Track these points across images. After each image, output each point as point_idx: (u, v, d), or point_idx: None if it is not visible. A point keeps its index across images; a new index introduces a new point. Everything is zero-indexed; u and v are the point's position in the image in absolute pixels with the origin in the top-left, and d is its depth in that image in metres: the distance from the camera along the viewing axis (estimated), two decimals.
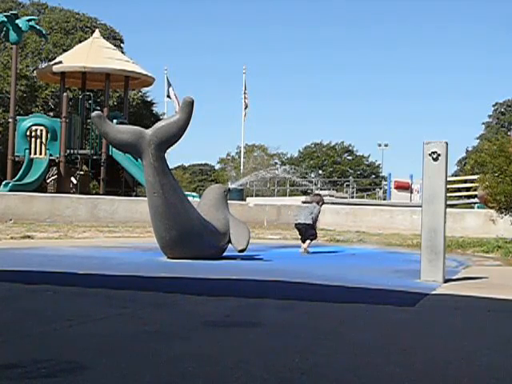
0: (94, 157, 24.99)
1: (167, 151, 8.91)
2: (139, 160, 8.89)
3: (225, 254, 9.51)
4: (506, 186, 13.49)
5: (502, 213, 14.28)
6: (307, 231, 11.49)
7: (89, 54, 25.60)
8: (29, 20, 25.75)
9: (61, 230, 14.54)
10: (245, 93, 41.48)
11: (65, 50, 33.11)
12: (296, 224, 11.71)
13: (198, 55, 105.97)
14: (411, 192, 34.21)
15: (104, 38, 30.58)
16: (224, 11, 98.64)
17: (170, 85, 37.78)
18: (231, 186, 28.10)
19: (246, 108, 41.29)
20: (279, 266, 8.45)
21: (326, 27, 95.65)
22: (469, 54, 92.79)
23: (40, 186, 24.43)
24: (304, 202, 23.07)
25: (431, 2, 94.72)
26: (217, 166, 71.73)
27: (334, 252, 12.04)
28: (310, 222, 11.54)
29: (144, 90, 39.62)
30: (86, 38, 32.63)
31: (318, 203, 11.95)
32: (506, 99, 64.49)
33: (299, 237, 11.68)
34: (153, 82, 28.37)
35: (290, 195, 38.07)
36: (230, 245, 9.44)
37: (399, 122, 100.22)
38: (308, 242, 11.40)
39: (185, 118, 8.35)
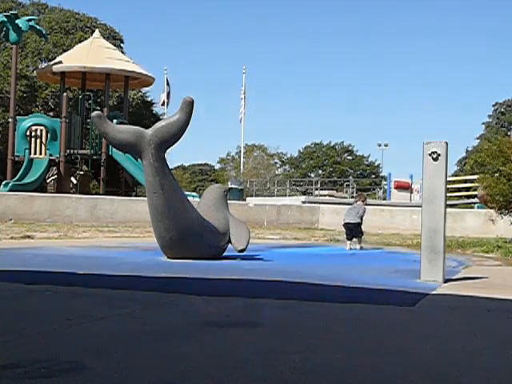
0: (94, 157, 25.01)
1: (167, 151, 8.91)
2: (139, 160, 8.89)
3: (225, 253, 9.51)
4: (502, 185, 13.52)
5: (501, 213, 14.29)
6: (357, 229, 12.78)
7: (89, 54, 25.62)
8: (29, 20, 25.79)
9: (61, 230, 14.54)
10: (244, 92, 41.51)
11: (65, 50, 33.13)
12: (346, 223, 12.84)
13: (198, 55, 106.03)
14: (411, 192, 34.22)
15: (104, 38, 30.61)
16: (224, 11, 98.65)
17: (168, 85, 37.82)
18: (232, 185, 28.11)
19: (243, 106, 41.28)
20: (279, 266, 8.44)
21: (326, 24, 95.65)
22: (469, 54, 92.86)
23: (40, 186, 24.44)
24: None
25: (431, 1, 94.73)
26: (217, 166, 71.74)
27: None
28: (358, 221, 12.80)
29: (144, 89, 39.65)
30: (86, 38, 32.66)
31: (362, 202, 13.26)
32: (505, 99, 64.54)
33: (345, 235, 12.93)
34: (153, 82, 28.40)
35: (289, 195, 38.09)
36: (229, 245, 9.44)
37: (399, 122, 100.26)
38: (359, 239, 12.80)
39: (185, 118, 8.34)
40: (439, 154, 6.87)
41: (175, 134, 8.41)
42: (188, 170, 70.47)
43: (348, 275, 7.48)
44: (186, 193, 15.72)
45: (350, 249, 12.52)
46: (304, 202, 27.07)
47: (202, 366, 3.06)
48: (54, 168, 25.36)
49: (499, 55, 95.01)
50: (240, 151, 52.71)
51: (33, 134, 24.29)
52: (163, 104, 37.68)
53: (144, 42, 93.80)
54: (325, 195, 36.15)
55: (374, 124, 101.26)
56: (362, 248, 12.66)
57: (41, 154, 24.41)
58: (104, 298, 5.07)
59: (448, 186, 9.94)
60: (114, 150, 22.97)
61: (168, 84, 38.00)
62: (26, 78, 36.07)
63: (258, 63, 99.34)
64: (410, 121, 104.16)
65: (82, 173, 25.56)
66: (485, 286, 6.67)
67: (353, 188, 40.37)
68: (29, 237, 12.43)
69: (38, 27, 26.99)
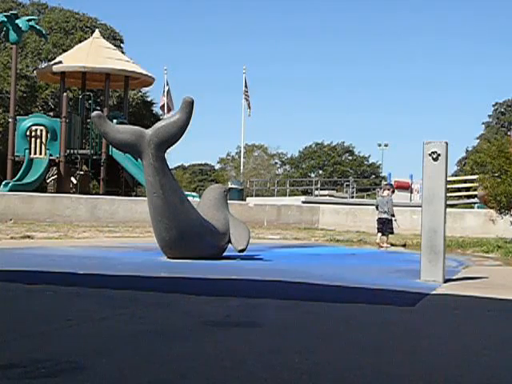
0: (94, 157, 24.99)
1: (167, 151, 8.91)
2: (139, 160, 8.89)
3: (225, 253, 9.51)
4: (506, 186, 13.49)
5: (501, 213, 14.29)
6: (388, 225, 13.18)
7: (89, 54, 25.61)
8: (29, 20, 25.77)
9: (61, 230, 14.53)
10: (246, 92, 41.40)
11: (65, 50, 33.12)
12: (380, 218, 13.27)
13: (198, 55, 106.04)
14: (411, 192, 34.18)
15: (104, 38, 30.60)
16: (224, 11, 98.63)
17: (167, 85, 37.69)
18: (232, 185, 28.10)
19: (249, 108, 41.05)
20: (279, 266, 8.44)
21: (326, 24, 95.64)
22: (469, 54, 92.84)
23: (40, 186, 24.43)
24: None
25: (431, 1, 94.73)
26: (217, 166, 71.78)
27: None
28: (384, 216, 13.16)
29: (144, 89, 39.63)
30: (85, 38, 32.65)
31: (389, 190, 13.65)
32: (506, 99, 64.59)
33: (376, 229, 13.43)
34: (153, 82, 28.38)
35: (290, 195, 38.08)
36: (229, 245, 9.44)
37: (399, 122, 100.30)
38: (387, 236, 13.13)
39: (185, 118, 8.34)
40: (439, 154, 6.87)
41: (175, 134, 8.41)
42: (188, 170, 70.47)
43: (348, 275, 7.48)
44: (186, 193, 15.72)
45: (380, 246, 12.90)
46: (304, 202, 27.06)
47: (202, 365, 3.06)
48: (54, 168, 25.35)
49: (499, 55, 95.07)
50: (240, 151, 52.68)
51: (33, 133, 24.27)
52: (163, 107, 37.48)
53: (144, 41, 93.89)
54: (325, 195, 36.13)
55: (374, 124, 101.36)
56: (387, 248, 12.82)
57: (41, 153, 24.39)
58: (104, 298, 5.07)
59: (448, 186, 9.94)
60: (114, 149, 22.96)
61: (167, 84, 37.88)
62: (26, 78, 36.06)
63: (258, 63, 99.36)
64: (410, 121, 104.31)
65: (81, 173, 25.53)
66: (485, 286, 6.67)
67: (353, 188, 40.36)
68: (29, 237, 12.42)
69: (37, 27, 26.97)
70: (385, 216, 13.16)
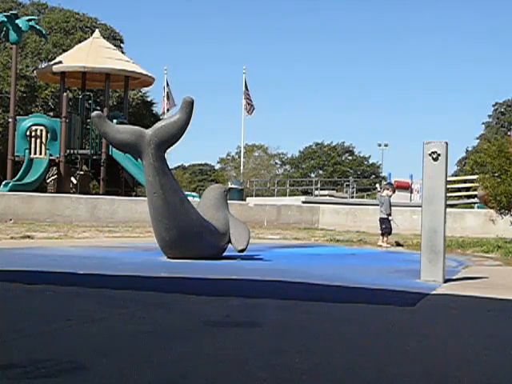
0: (94, 157, 24.99)
1: (167, 151, 8.90)
2: (139, 160, 8.89)
3: (225, 253, 9.50)
4: (506, 186, 13.49)
5: (501, 213, 14.29)
6: (381, 225, 13.21)
7: (89, 54, 25.62)
8: (29, 20, 25.77)
9: (61, 230, 14.53)
10: (247, 93, 41.37)
11: (65, 50, 33.12)
12: (380, 218, 13.39)
13: (198, 55, 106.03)
14: (411, 192, 34.20)
15: (104, 38, 30.60)
16: (224, 11, 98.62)
17: (167, 85, 37.70)
18: (232, 185, 28.10)
19: (251, 110, 40.98)
20: (279, 266, 8.44)
21: (327, 24, 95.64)
22: (469, 54, 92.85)
23: (40, 186, 24.43)
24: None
25: (432, 2, 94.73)
26: (217, 166, 71.81)
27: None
28: (384, 216, 13.19)
29: (144, 89, 39.62)
30: (85, 38, 32.65)
31: (388, 189, 13.61)
32: (506, 99, 64.65)
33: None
34: (153, 82, 28.39)
35: (290, 195, 38.10)
36: (229, 245, 9.44)
37: (399, 122, 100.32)
38: (383, 238, 13.05)
39: (185, 118, 8.33)
40: (439, 154, 6.86)
41: (175, 134, 8.40)
42: (188, 170, 70.49)
43: (348, 275, 7.48)
44: (186, 193, 15.72)
45: (380, 246, 12.98)
46: (304, 202, 27.06)
47: (201, 366, 3.06)
48: (54, 168, 25.34)
49: (499, 55, 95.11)
50: (240, 151, 52.68)
51: (33, 134, 24.27)
52: (163, 113, 37.49)
53: (144, 41, 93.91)
54: (325, 195, 36.15)
55: (374, 124, 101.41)
56: (386, 248, 12.80)
57: (41, 153, 24.38)
58: (104, 298, 5.07)
59: (448, 186, 9.94)
60: (114, 149, 22.96)
61: (168, 85, 37.85)
62: (25, 78, 36.05)
63: (258, 62, 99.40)
64: (410, 121, 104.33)
65: (81, 173, 25.53)
66: (485, 286, 6.67)
67: (353, 188, 40.39)
68: (29, 237, 12.42)
69: (37, 27, 26.97)
70: (381, 215, 13.25)
